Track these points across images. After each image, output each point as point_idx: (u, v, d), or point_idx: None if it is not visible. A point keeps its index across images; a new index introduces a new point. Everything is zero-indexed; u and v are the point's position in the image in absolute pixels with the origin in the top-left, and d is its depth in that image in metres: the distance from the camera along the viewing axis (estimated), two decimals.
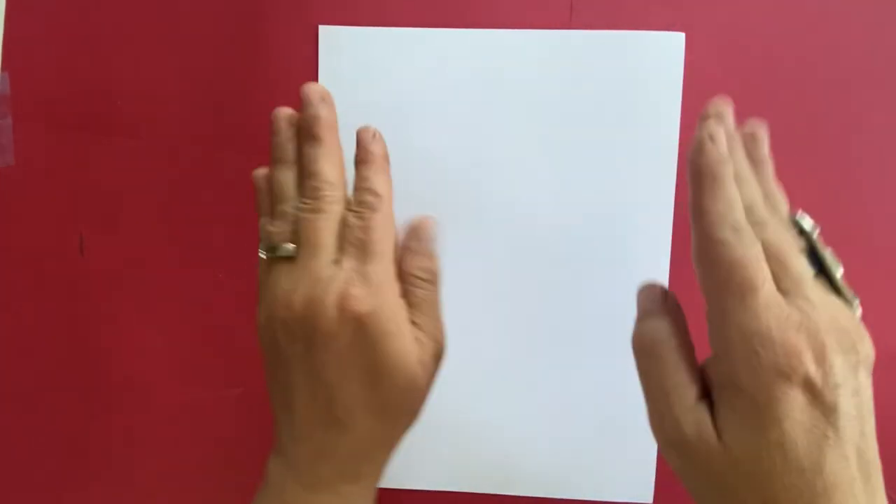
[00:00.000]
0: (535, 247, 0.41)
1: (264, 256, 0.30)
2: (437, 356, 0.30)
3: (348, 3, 0.42)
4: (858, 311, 0.27)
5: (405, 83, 0.42)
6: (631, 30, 0.40)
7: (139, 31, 0.43)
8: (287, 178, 0.31)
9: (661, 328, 0.27)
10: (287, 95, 0.42)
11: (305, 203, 0.29)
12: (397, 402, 0.29)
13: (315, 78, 0.42)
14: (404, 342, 0.28)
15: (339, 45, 0.42)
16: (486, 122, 0.41)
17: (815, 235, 0.27)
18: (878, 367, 0.41)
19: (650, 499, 0.42)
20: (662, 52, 0.40)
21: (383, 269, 0.29)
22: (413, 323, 0.29)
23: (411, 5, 0.42)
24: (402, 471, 0.43)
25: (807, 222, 0.27)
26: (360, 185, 0.30)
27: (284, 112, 0.32)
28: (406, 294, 0.29)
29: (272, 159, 0.32)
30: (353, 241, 0.29)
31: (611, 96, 0.41)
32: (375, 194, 0.29)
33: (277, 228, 0.30)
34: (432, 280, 0.30)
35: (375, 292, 0.28)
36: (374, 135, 0.31)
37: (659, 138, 0.41)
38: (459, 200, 0.41)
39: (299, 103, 0.42)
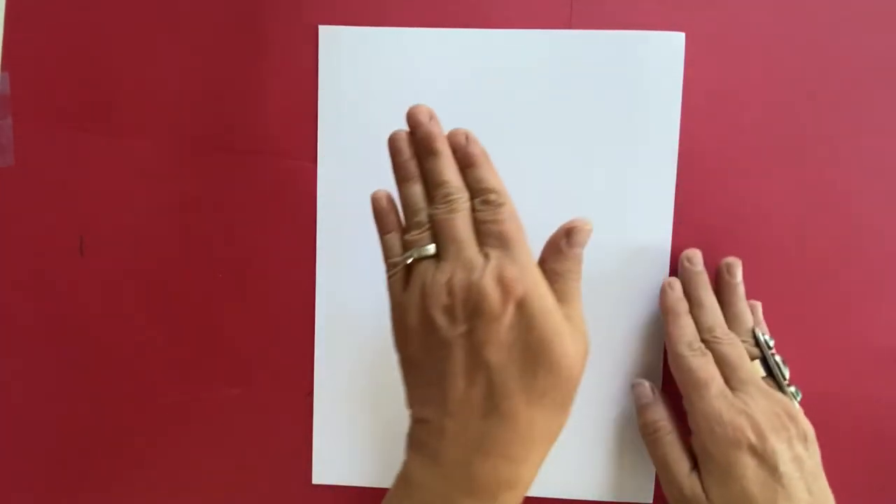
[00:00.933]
0: (535, 247, 0.41)
1: (409, 261, 0.32)
2: (586, 349, 0.31)
3: (348, 2, 0.42)
4: (797, 403, 0.37)
5: (405, 83, 0.42)
6: (631, 30, 0.40)
7: (139, 31, 0.43)
8: (416, 191, 0.33)
9: (660, 417, 0.38)
10: (287, 95, 0.42)
11: (439, 208, 0.32)
12: (553, 388, 0.30)
13: (315, 77, 0.42)
14: (558, 321, 0.30)
15: (339, 44, 0.42)
16: (485, 122, 0.41)
17: (770, 345, 0.38)
18: (879, 366, 0.42)
19: (650, 499, 0.42)
20: (662, 52, 0.40)
21: (525, 253, 0.31)
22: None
23: (411, 5, 0.42)
24: None
25: (762, 337, 0.38)
26: (478, 186, 0.32)
27: (401, 134, 0.34)
28: (551, 289, 0.31)
29: (399, 178, 0.34)
30: (491, 234, 0.31)
31: (611, 96, 0.41)
32: (495, 191, 0.32)
33: (415, 236, 0.32)
34: (576, 279, 0.32)
35: (527, 274, 0.30)
36: (468, 137, 0.33)
37: (659, 138, 0.41)
38: None
39: (299, 103, 0.42)
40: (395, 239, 0.34)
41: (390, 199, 0.35)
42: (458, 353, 0.30)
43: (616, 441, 0.42)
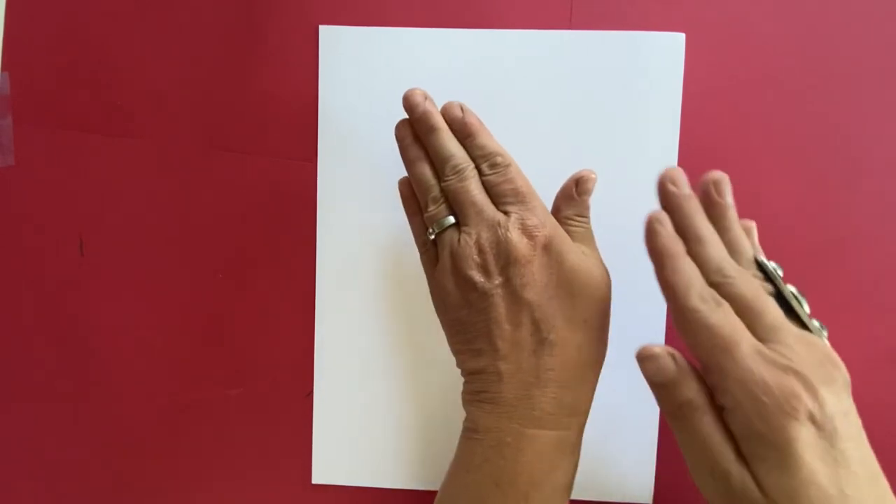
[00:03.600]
0: None
1: (432, 237, 0.35)
2: (608, 276, 0.34)
3: (348, 2, 0.42)
4: (825, 339, 0.30)
5: (405, 83, 0.41)
6: (631, 30, 0.40)
7: (139, 31, 0.43)
8: (425, 170, 0.35)
9: (693, 393, 0.29)
10: (287, 95, 0.42)
11: (450, 179, 0.34)
12: (590, 313, 0.33)
13: (315, 77, 0.42)
14: (581, 255, 0.34)
15: (339, 44, 0.42)
16: (485, 122, 0.41)
17: (779, 277, 0.31)
18: (878, 366, 0.42)
19: (650, 499, 0.42)
20: (662, 53, 0.40)
21: (540, 204, 0.34)
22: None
23: (411, 5, 0.42)
24: (402, 471, 0.43)
25: (770, 266, 0.31)
26: (481, 153, 0.34)
27: (402, 122, 0.36)
28: (567, 231, 0.35)
29: (408, 161, 0.36)
30: (506, 193, 0.34)
31: (611, 97, 0.41)
32: (500, 154, 0.34)
33: (433, 211, 0.35)
34: (585, 222, 0.35)
35: (546, 221, 0.33)
36: (462, 108, 0.35)
37: (659, 139, 0.41)
38: None
39: (299, 103, 0.42)
40: (420, 221, 0.36)
41: (409, 183, 0.37)
42: (499, 302, 0.32)
43: (616, 441, 0.42)
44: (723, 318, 0.29)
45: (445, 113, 0.35)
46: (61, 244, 0.44)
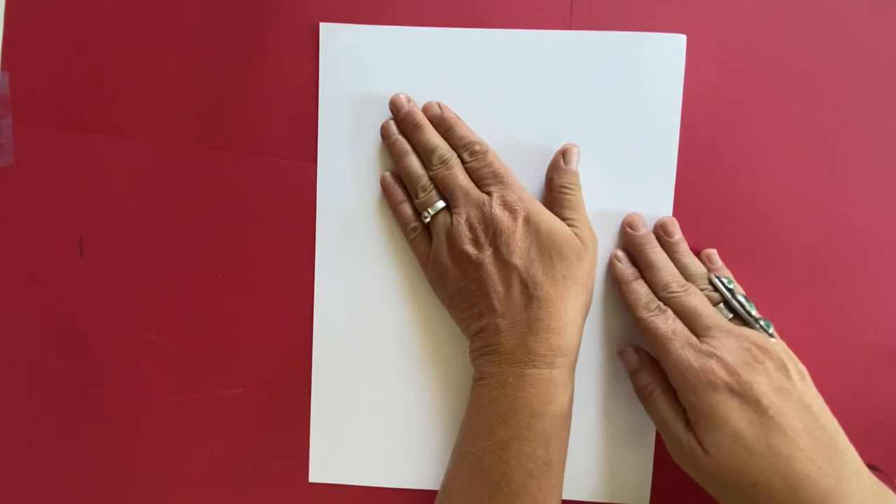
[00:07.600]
0: None
1: (427, 220, 0.40)
2: (591, 241, 0.39)
3: (349, 1, 0.42)
4: (771, 332, 0.37)
5: (405, 82, 0.42)
6: (631, 31, 0.40)
7: (139, 30, 0.43)
8: (414, 161, 0.40)
9: (650, 380, 0.38)
10: (288, 94, 0.42)
11: (437, 168, 0.39)
12: (569, 270, 0.37)
13: (315, 77, 0.42)
14: (558, 223, 0.38)
15: (339, 42, 0.42)
16: (485, 122, 0.41)
17: (729, 286, 0.38)
18: (878, 366, 0.42)
19: (646, 500, 0.42)
20: (663, 54, 0.40)
21: (517, 182, 0.39)
22: (564, 218, 0.39)
23: (412, 4, 0.41)
24: (398, 470, 0.43)
25: (717, 281, 0.38)
26: (461, 142, 0.40)
27: (389, 122, 0.41)
28: (556, 199, 0.39)
29: (395, 155, 0.41)
30: (486, 176, 0.39)
31: (611, 98, 0.41)
32: (477, 142, 0.40)
33: (424, 197, 0.40)
34: (576, 190, 0.40)
35: (523, 196, 0.38)
36: (440, 105, 0.41)
37: (659, 140, 0.41)
38: None
39: (299, 103, 0.42)
40: (406, 208, 0.41)
41: (394, 175, 0.41)
42: (492, 269, 0.37)
43: (614, 442, 0.42)
44: (663, 321, 0.37)
45: (426, 111, 0.40)
46: (61, 244, 0.44)
